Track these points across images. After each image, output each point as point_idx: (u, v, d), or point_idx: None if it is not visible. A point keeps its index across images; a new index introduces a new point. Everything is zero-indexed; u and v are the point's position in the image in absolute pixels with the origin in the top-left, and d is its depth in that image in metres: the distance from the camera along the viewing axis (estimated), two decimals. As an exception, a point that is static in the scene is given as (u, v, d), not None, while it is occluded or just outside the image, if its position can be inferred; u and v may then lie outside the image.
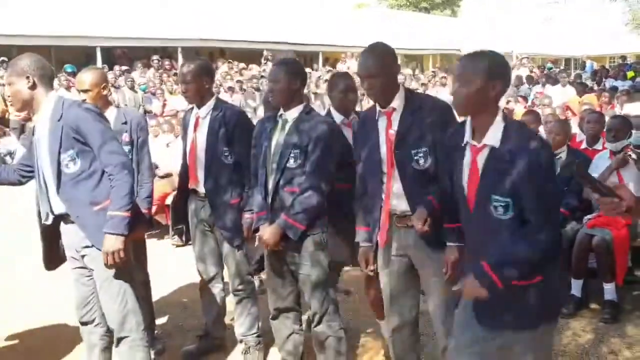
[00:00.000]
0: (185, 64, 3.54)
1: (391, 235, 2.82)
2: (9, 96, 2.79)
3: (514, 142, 2.09)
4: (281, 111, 3.10)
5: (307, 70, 17.07)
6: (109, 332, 3.00)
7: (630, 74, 16.39)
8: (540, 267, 2.12)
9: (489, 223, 2.14)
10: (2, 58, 13.18)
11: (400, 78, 15.98)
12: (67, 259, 3.01)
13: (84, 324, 3.06)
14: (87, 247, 2.83)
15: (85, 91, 3.50)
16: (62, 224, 2.91)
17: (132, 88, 11.85)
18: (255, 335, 3.63)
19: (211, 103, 3.47)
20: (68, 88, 11.58)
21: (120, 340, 2.94)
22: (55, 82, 12.29)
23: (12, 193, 8.69)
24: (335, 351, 3.15)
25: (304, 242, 3.01)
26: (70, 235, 2.90)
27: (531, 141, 2.09)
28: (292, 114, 3.06)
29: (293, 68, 3.10)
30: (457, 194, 2.28)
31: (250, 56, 17.59)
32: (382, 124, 2.77)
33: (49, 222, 2.89)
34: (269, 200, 3.07)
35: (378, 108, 2.77)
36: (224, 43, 17.58)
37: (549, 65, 21.05)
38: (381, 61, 2.67)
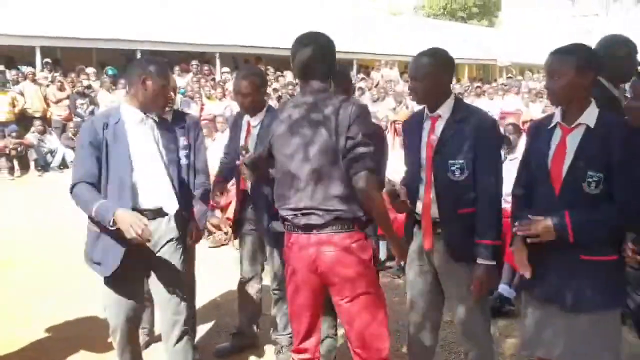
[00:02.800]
0: (242, 76, 3.51)
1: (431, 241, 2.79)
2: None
3: (609, 122, 2.32)
4: None
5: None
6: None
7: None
8: (615, 243, 2.33)
9: (578, 200, 2.30)
10: (46, 59, 13.60)
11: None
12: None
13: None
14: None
15: None
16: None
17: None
18: (289, 335, 3.68)
19: (264, 112, 3.53)
20: (109, 91, 11.88)
21: (182, 336, 3.00)
22: (97, 84, 12.67)
23: (46, 198, 8.96)
24: None
25: None
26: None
27: (617, 120, 2.39)
28: None
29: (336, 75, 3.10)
30: (538, 176, 2.42)
31: (286, 63, 17.71)
32: (426, 129, 2.76)
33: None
34: None
35: (426, 111, 2.78)
36: (260, 50, 17.80)
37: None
38: (428, 67, 2.66)
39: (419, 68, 2.68)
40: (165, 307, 2.99)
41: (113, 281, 2.83)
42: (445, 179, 2.67)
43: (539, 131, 2.51)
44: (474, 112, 2.77)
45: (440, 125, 2.71)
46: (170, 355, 3.02)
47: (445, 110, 2.71)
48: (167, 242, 2.93)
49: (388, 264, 5.56)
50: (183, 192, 3.05)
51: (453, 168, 2.64)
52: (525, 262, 2.45)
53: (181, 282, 3.01)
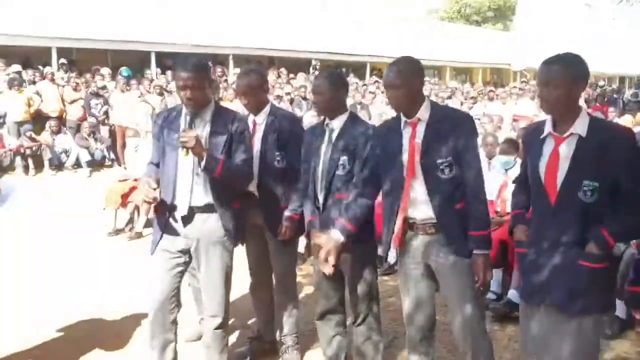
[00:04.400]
0: (243, 75, 3.58)
1: (405, 241, 2.90)
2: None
3: (602, 131, 2.35)
4: (327, 120, 3.21)
5: (355, 80, 17.19)
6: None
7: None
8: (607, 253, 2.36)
9: (574, 209, 2.34)
10: (62, 60, 13.73)
11: (447, 91, 15.91)
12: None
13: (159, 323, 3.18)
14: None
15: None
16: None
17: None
18: (295, 335, 3.70)
19: (267, 109, 3.56)
20: (123, 91, 11.96)
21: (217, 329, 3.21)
22: (111, 85, 12.77)
23: (59, 198, 9.04)
24: (374, 352, 3.25)
25: (356, 244, 3.06)
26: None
27: (618, 130, 2.43)
28: (338, 122, 3.18)
29: (333, 78, 3.21)
30: (533, 185, 2.48)
31: (299, 65, 17.80)
32: (406, 134, 2.84)
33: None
34: (320, 206, 3.18)
35: (403, 118, 2.85)
36: (273, 52, 17.86)
37: (601, 82, 20.57)
38: (402, 74, 2.76)
39: (393, 77, 2.78)
40: (205, 304, 3.24)
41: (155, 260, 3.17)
42: (436, 179, 2.77)
43: (532, 141, 2.55)
44: (451, 111, 3.00)
45: (421, 129, 2.80)
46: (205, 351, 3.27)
47: (423, 114, 2.80)
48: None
49: (397, 267, 5.56)
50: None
51: (442, 167, 2.74)
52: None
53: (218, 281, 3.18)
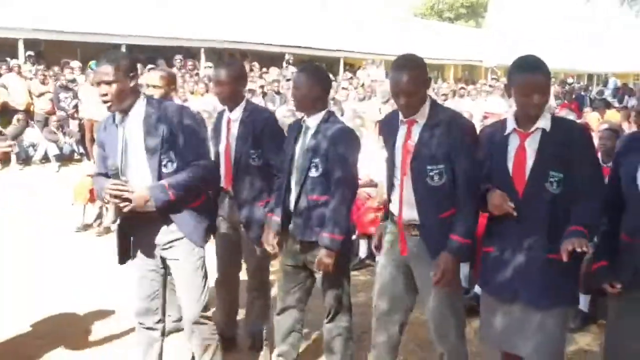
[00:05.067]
0: (222, 66, 3.56)
1: (388, 239, 2.91)
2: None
3: (564, 126, 2.50)
4: (304, 117, 3.13)
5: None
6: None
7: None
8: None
9: (541, 200, 2.44)
10: (29, 52, 13.46)
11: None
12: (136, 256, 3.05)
13: (143, 322, 3.10)
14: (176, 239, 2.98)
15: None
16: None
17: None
18: (266, 331, 3.71)
19: (242, 105, 3.53)
20: (93, 85, 11.77)
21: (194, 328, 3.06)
22: (82, 79, 12.56)
23: (26, 192, 8.90)
24: (343, 348, 3.25)
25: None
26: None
27: (578, 126, 2.66)
28: (314, 120, 3.08)
29: (316, 74, 3.10)
30: (499, 180, 2.52)
31: (272, 59, 17.73)
32: (401, 132, 2.78)
33: None
34: (292, 206, 3.12)
35: (400, 117, 2.78)
36: (246, 45, 17.74)
37: (570, 80, 20.91)
38: (418, 78, 2.66)
39: (409, 83, 2.63)
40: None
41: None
42: (424, 185, 2.70)
43: (494, 138, 2.59)
44: (451, 116, 2.77)
45: (416, 130, 2.73)
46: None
47: (421, 115, 2.72)
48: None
49: (368, 262, 5.61)
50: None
51: (432, 173, 2.67)
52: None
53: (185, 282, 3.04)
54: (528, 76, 2.43)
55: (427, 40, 23.46)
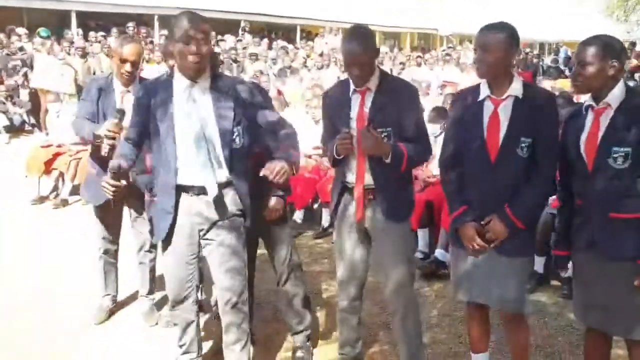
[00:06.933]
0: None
1: (343, 207, 3.02)
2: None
3: (535, 93, 2.64)
4: None
5: (284, 43, 17.00)
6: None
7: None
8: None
9: (511, 164, 2.58)
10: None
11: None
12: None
13: (181, 302, 2.92)
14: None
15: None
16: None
17: (108, 55, 11.66)
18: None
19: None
20: (49, 53, 11.32)
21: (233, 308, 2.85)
22: (30, 47, 12.09)
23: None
24: (302, 307, 3.42)
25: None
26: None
27: (546, 93, 2.81)
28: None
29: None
30: (473, 146, 2.63)
31: (227, 26, 17.41)
32: (355, 102, 2.89)
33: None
34: None
35: (352, 86, 2.89)
36: (201, 12, 17.21)
37: (527, 49, 21.25)
38: (370, 48, 2.79)
39: (361, 52, 2.75)
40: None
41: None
42: None
43: (467, 104, 2.71)
44: (399, 82, 3.06)
45: (369, 98, 2.86)
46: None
47: (373, 83, 2.86)
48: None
49: (330, 230, 5.67)
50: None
51: (383, 136, 2.81)
52: (477, 240, 2.66)
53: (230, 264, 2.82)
54: (481, 33, 2.58)
55: (382, 8, 23.39)
